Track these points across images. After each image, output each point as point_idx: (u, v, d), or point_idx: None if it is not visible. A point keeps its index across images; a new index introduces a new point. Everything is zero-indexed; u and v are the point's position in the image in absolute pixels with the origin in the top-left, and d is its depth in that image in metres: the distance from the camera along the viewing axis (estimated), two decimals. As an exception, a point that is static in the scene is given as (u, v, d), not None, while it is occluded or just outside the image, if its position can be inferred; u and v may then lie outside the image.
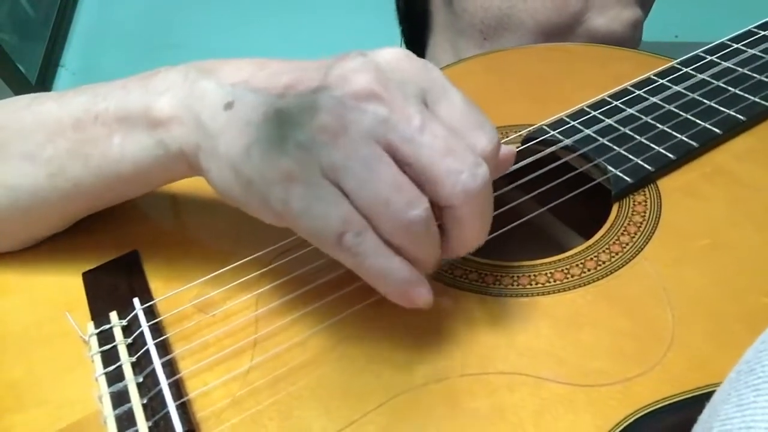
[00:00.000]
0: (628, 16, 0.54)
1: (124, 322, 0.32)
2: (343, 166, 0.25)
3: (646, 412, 0.26)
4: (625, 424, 0.25)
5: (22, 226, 0.36)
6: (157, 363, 0.29)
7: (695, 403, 0.26)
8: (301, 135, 0.26)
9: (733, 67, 0.42)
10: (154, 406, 0.28)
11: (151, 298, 0.33)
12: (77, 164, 0.32)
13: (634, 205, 0.35)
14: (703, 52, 0.44)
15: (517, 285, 0.32)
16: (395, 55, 0.28)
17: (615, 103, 0.41)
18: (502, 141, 0.40)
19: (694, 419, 0.25)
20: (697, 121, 0.38)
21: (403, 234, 0.26)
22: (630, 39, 0.55)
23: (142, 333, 0.31)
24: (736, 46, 0.44)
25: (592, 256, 0.32)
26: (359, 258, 0.26)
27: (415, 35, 0.68)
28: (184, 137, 0.30)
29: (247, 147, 0.27)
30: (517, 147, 0.40)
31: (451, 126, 0.27)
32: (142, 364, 0.30)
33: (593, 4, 0.53)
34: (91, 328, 0.32)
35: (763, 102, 0.39)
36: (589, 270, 0.32)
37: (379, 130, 0.26)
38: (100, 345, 0.31)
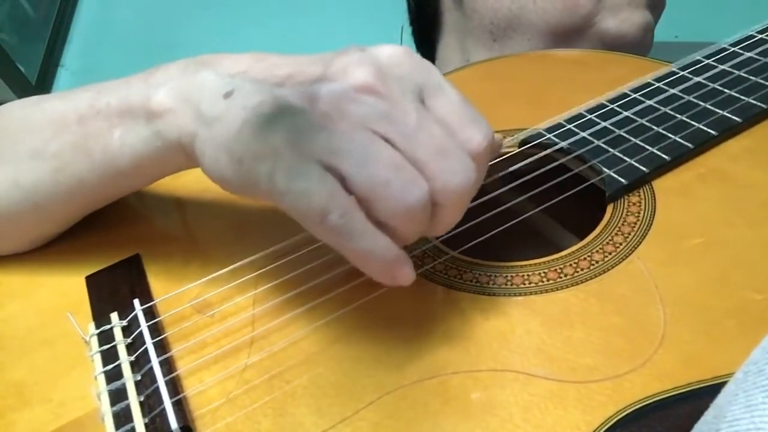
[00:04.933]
0: (639, 19, 0.54)
1: (125, 323, 0.32)
2: (340, 149, 0.25)
3: (636, 408, 0.26)
4: (614, 420, 0.26)
5: (31, 224, 0.36)
6: (154, 361, 0.30)
7: (686, 400, 0.26)
8: (298, 120, 0.26)
9: (729, 69, 0.42)
10: (150, 404, 0.29)
11: (151, 299, 0.34)
12: (80, 159, 0.33)
13: (628, 205, 0.35)
14: (701, 56, 0.44)
15: (511, 284, 0.32)
16: (394, 51, 0.28)
17: (611, 106, 0.41)
18: (498, 144, 0.41)
19: (685, 415, 0.25)
20: (693, 122, 0.38)
21: (402, 215, 0.26)
22: (641, 42, 0.55)
23: (141, 333, 0.31)
24: (733, 49, 0.44)
25: (585, 256, 0.33)
26: (344, 238, 0.26)
27: (426, 36, 0.68)
28: (182, 127, 0.30)
29: (240, 128, 0.27)
30: (514, 150, 0.40)
31: (446, 122, 0.27)
32: (140, 363, 0.30)
33: (604, 6, 0.53)
34: (92, 328, 0.32)
35: (758, 103, 0.39)
36: (582, 269, 0.32)
37: (376, 123, 0.26)
38: (100, 345, 0.31)
